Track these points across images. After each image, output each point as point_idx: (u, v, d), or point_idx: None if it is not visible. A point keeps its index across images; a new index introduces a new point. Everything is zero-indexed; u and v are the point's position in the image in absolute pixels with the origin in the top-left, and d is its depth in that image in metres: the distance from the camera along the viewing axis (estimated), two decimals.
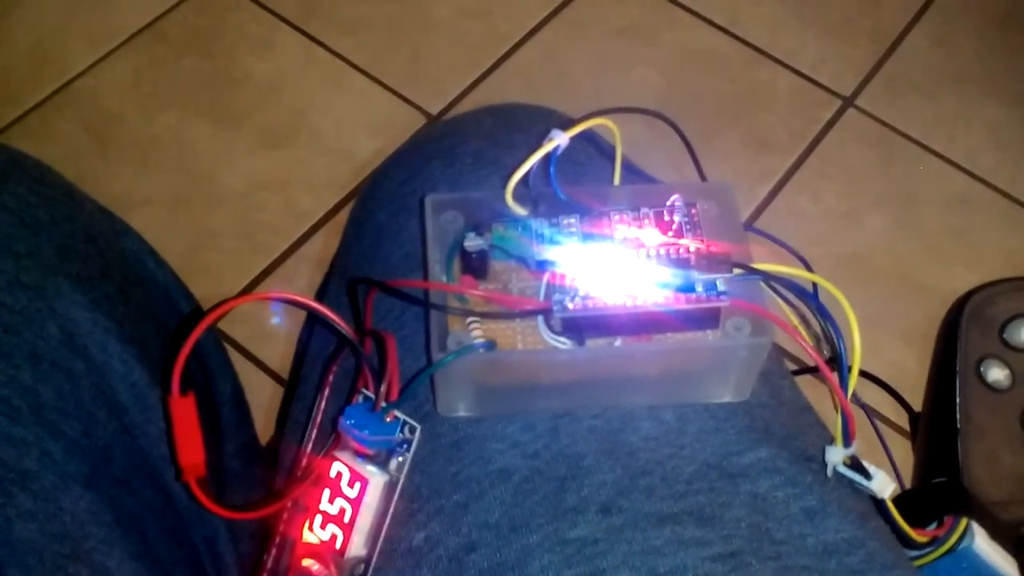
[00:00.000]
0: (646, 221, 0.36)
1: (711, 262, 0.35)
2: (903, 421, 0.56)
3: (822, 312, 0.35)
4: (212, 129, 1.19)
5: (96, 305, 0.39)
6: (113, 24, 1.26)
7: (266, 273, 1.10)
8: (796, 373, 0.45)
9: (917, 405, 0.48)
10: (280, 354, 1.04)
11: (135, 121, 1.20)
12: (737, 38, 1.30)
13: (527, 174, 0.36)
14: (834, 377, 0.35)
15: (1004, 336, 0.40)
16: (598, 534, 0.33)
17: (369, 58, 1.25)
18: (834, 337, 0.34)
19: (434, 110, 1.22)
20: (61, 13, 1.27)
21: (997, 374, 0.40)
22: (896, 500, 0.39)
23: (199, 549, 0.41)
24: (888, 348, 1.03)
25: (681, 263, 0.35)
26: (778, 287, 0.39)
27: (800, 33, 1.31)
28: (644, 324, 0.35)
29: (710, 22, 1.31)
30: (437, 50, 1.27)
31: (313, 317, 0.44)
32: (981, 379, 0.40)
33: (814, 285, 0.37)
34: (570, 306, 0.34)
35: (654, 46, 1.29)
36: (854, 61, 1.29)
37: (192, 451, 0.35)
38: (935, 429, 0.40)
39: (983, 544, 0.45)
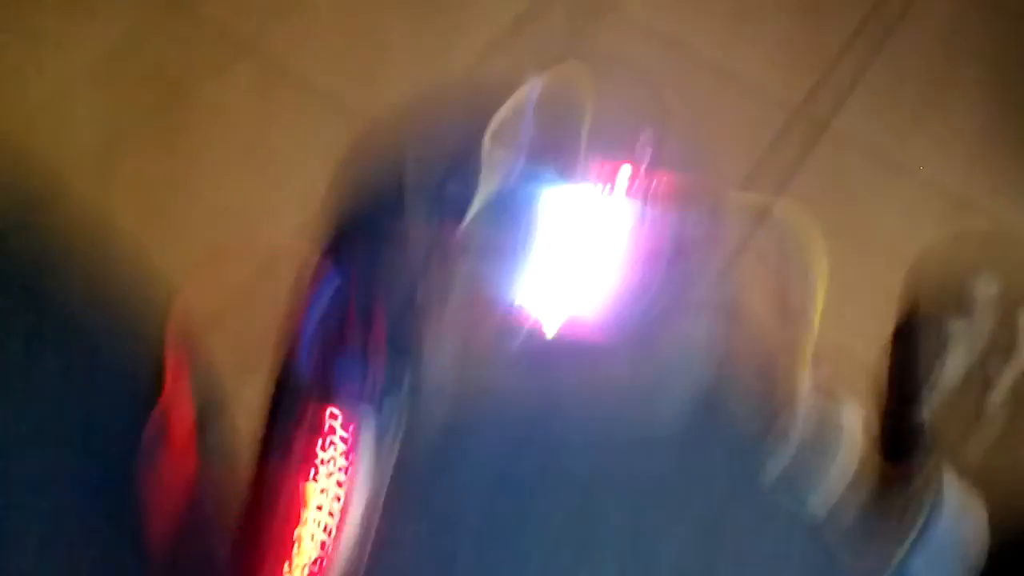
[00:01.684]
0: (618, 163, 0.38)
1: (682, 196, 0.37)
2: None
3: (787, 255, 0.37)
4: (169, 164, 1.20)
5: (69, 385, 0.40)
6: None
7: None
8: None
9: None
10: None
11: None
12: (687, 56, 1.33)
13: (517, 117, 0.37)
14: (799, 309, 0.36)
15: (952, 338, 0.42)
16: (554, 553, 0.35)
17: (329, 87, 1.27)
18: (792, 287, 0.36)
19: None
20: None
21: (951, 374, 0.41)
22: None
23: None
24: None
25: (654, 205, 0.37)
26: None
27: (748, 49, 1.33)
28: (595, 352, 0.36)
29: (658, 32, 1.34)
30: (397, 74, 1.29)
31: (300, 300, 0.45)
32: (938, 382, 0.41)
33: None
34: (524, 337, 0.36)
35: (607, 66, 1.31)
36: (803, 74, 1.31)
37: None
38: (897, 432, 0.42)
39: (952, 501, 0.47)
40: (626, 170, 0.38)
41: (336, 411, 0.35)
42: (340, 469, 0.35)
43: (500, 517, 0.36)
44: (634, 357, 0.38)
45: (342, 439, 0.35)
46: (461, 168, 0.37)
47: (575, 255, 0.36)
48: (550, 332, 0.38)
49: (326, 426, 0.35)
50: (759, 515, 0.37)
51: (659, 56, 1.33)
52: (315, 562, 0.34)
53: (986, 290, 0.41)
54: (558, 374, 0.38)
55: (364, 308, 0.37)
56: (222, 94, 1.26)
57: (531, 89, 0.38)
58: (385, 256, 0.39)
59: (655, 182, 0.38)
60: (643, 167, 0.38)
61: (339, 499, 0.35)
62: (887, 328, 0.49)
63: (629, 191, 0.38)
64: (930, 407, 0.41)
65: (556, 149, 0.38)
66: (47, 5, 1.30)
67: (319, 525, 0.35)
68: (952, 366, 0.42)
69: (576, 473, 0.37)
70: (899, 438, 0.42)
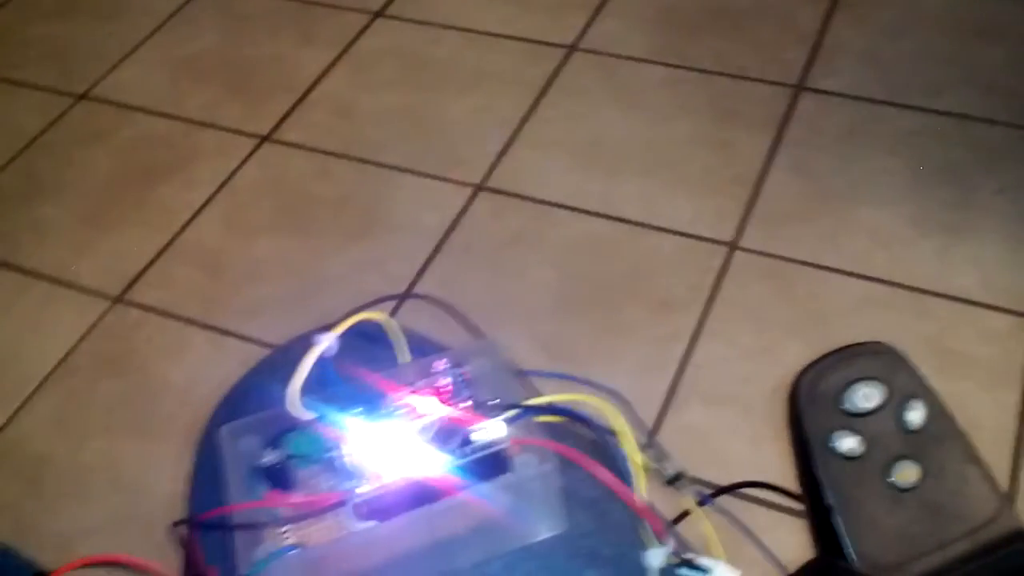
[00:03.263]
0: (423, 392, 0.38)
1: (483, 415, 0.37)
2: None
3: (592, 426, 0.37)
4: (140, 444, 1.20)
5: None
6: (25, 374, 1.28)
7: None
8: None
9: None
10: None
11: (64, 457, 1.20)
12: (614, 219, 1.36)
13: (308, 379, 0.38)
14: (616, 482, 0.36)
15: (842, 407, 0.42)
16: None
17: (277, 334, 1.28)
18: (614, 448, 0.36)
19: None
20: None
21: (849, 443, 0.41)
22: None
23: None
24: None
25: (454, 426, 0.37)
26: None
27: (670, 197, 1.38)
28: (443, 490, 0.36)
29: (584, 212, 1.37)
30: (339, 308, 1.31)
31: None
32: (835, 453, 0.40)
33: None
34: (362, 491, 0.36)
35: (542, 249, 1.35)
36: (727, 208, 1.35)
37: None
38: (813, 511, 0.41)
39: None
40: (429, 400, 0.39)
41: None
42: None
43: None
44: (482, 501, 0.38)
45: None
46: (277, 438, 0.38)
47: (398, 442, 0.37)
48: (397, 489, 0.37)
49: None
50: None
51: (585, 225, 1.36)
52: None
53: (866, 403, 0.40)
54: (409, 522, 0.37)
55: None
56: None
57: (323, 344, 0.39)
58: (222, 539, 0.39)
59: (460, 410, 0.39)
60: (445, 393, 0.39)
61: None
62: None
63: (432, 424, 0.39)
64: (834, 495, 0.40)
65: (360, 391, 0.39)
66: None
67: None
68: (847, 449, 0.41)
69: None
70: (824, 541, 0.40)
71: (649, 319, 1.25)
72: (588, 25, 1.65)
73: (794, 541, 0.42)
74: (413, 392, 0.39)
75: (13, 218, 1.48)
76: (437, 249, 1.36)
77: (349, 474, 0.37)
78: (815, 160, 1.40)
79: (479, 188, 1.43)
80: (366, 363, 0.46)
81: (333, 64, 1.65)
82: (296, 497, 0.36)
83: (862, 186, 1.36)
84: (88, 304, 1.35)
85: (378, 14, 1.73)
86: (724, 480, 0.59)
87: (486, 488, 0.37)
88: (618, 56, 1.60)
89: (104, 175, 1.53)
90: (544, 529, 0.38)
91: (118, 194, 1.49)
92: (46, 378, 1.28)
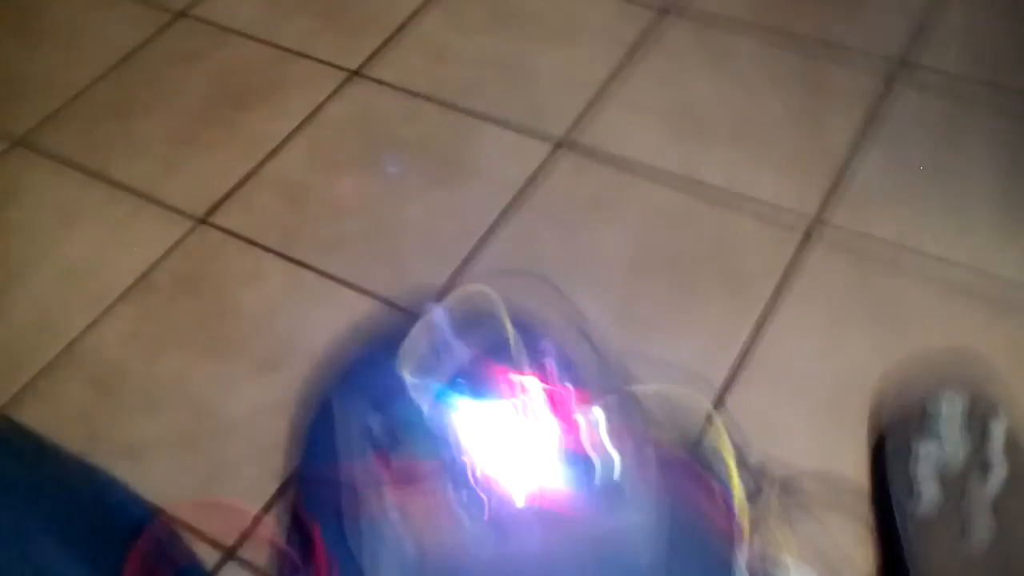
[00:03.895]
0: (527, 373, 0.40)
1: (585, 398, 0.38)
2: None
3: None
4: (212, 365, 1.23)
5: (67, 543, 0.42)
6: (106, 284, 1.32)
7: (280, 493, 1.11)
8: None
9: None
10: None
11: (138, 369, 1.24)
12: (697, 187, 1.35)
13: (417, 349, 0.39)
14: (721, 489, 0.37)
15: (921, 465, 0.42)
16: None
17: (353, 272, 1.31)
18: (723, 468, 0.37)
19: (422, 311, 1.26)
20: (57, 283, 1.33)
21: (927, 501, 0.41)
22: None
23: None
24: None
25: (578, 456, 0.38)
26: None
27: (755, 170, 1.36)
28: (555, 510, 0.38)
29: (667, 178, 1.37)
30: (415, 252, 1.33)
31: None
32: (914, 512, 0.41)
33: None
34: (485, 512, 0.37)
35: (620, 213, 1.35)
36: (812, 185, 1.34)
37: None
38: (884, 551, 0.41)
39: None
40: (535, 382, 0.40)
41: None
42: None
43: None
44: (598, 518, 0.39)
45: None
46: (384, 402, 0.39)
47: (513, 448, 0.38)
48: (518, 501, 0.38)
49: None
50: None
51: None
52: None
53: (951, 408, 0.40)
54: (526, 537, 0.38)
55: (304, 541, 0.38)
56: None
57: (435, 315, 0.40)
58: (327, 495, 0.41)
59: (563, 391, 0.40)
60: (552, 378, 0.39)
61: None
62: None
63: (542, 399, 0.40)
64: (910, 539, 0.40)
65: (471, 367, 0.40)
66: None
67: None
68: (928, 491, 0.41)
69: None
70: (891, 570, 0.41)
71: (722, 293, 1.25)
72: None
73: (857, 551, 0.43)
74: (518, 372, 0.40)
75: (106, 130, 1.51)
76: (514, 202, 1.36)
77: (453, 450, 0.38)
78: (908, 143, 1.38)
79: (561, 144, 1.42)
80: (470, 336, 0.47)
81: (427, 3, 1.64)
82: (401, 468, 0.37)
83: (954, 172, 1.34)
84: (172, 222, 1.38)
85: None
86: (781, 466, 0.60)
87: (593, 503, 0.38)
88: (715, 19, 1.58)
89: (195, 96, 1.55)
90: (646, 556, 0.40)
91: (208, 116, 1.52)
92: (126, 291, 1.31)
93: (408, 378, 0.40)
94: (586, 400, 0.39)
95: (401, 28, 1.61)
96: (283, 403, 1.18)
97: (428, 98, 1.50)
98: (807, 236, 1.29)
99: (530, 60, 1.55)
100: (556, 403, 0.39)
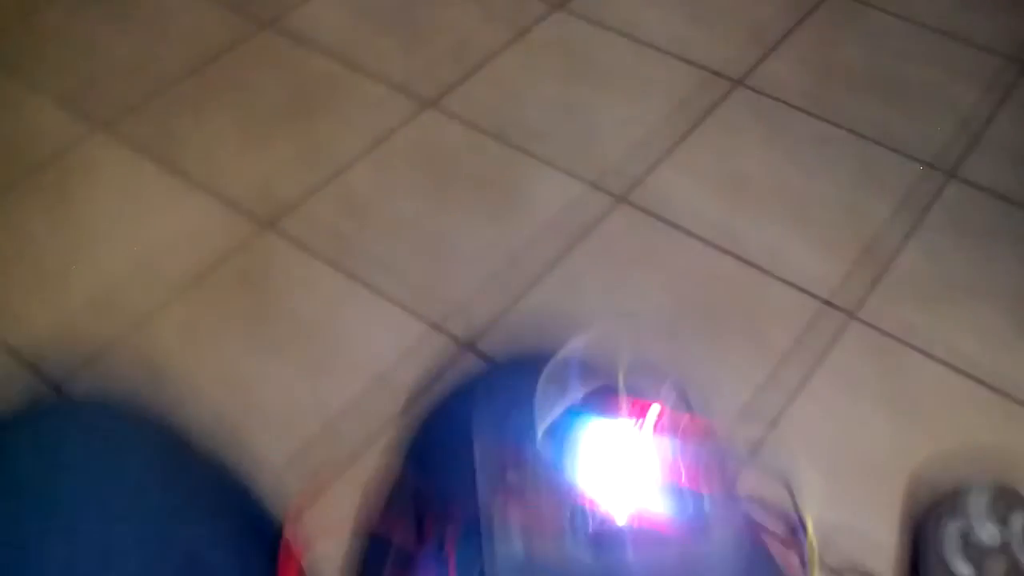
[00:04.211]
0: (647, 410, 0.45)
1: (698, 484, 0.43)
2: None
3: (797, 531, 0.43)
4: (259, 364, 1.29)
5: (213, 531, 0.47)
6: (168, 273, 1.38)
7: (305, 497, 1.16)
8: None
9: None
10: None
11: (190, 359, 1.29)
12: (742, 259, 1.40)
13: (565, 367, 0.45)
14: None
15: (968, 539, 0.47)
16: None
17: (404, 292, 1.36)
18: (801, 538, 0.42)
19: (465, 339, 1.31)
20: (122, 266, 1.39)
21: (963, 570, 0.46)
22: None
23: None
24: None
25: (676, 487, 0.43)
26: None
27: (800, 251, 1.41)
28: (648, 536, 0.43)
29: (714, 245, 1.42)
30: (466, 283, 1.38)
31: (372, 539, 0.51)
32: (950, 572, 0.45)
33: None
34: (589, 526, 0.42)
35: (665, 271, 1.40)
36: (853, 275, 1.38)
37: None
38: None
39: None
40: (655, 409, 0.44)
41: None
42: None
43: None
44: (687, 541, 0.44)
45: None
46: (521, 408, 0.44)
47: (622, 470, 0.43)
48: (618, 520, 0.43)
49: None
50: None
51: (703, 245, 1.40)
52: None
53: (979, 498, 0.45)
54: (624, 552, 0.43)
55: (440, 516, 0.43)
56: None
57: (576, 345, 0.45)
58: (459, 473, 0.45)
59: (677, 421, 0.45)
60: (668, 407, 0.44)
61: None
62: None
63: (657, 427, 0.45)
64: None
65: (597, 393, 0.45)
66: None
67: None
68: (960, 570, 0.46)
69: None
70: None
71: (754, 365, 1.29)
72: (758, 63, 1.68)
73: None
74: (638, 402, 0.45)
75: (184, 125, 1.57)
76: (567, 249, 1.42)
77: (576, 494, 0.43)
78: (950, 249, 1.42)
79: (620, 200, 1.48)
80: (595, 369, 0.52)
81: (507, 46, 1.71)
82: (543, 514, 0.42)
83: (989, 285, 1.38)
84: (237, 222, 1.44)
85: (559, 6, 1.78)
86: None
87: (684, 530, 0.43)
88: (779, 100, 1.63)
89: (273, 103, 1.61)
90: None
91: (283, 124, 1.58)
92: (187, 282, 1.37)
93: (545, 394, 0.45)
94: (692, 437, 0.44)
95: (479, 66, 1.67)
96: (321, 406, 1.24)
97: (496, 136, 1.56)
98: (844, 320, 1.33)
99: (598, 113, 1.60)
100: (666, 434, 0.44)
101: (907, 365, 1.29)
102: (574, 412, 0.46)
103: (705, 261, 1.41)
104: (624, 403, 0.46)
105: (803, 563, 0.43)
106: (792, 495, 0.45)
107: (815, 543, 0.43)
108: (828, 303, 1.35)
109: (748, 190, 1.50)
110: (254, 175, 1.51)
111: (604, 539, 0.42)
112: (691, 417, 0.47)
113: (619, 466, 0.44)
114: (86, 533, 0.44)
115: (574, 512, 0.43)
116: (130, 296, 1.35)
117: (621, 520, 0.43)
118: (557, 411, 0.46)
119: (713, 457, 0.45)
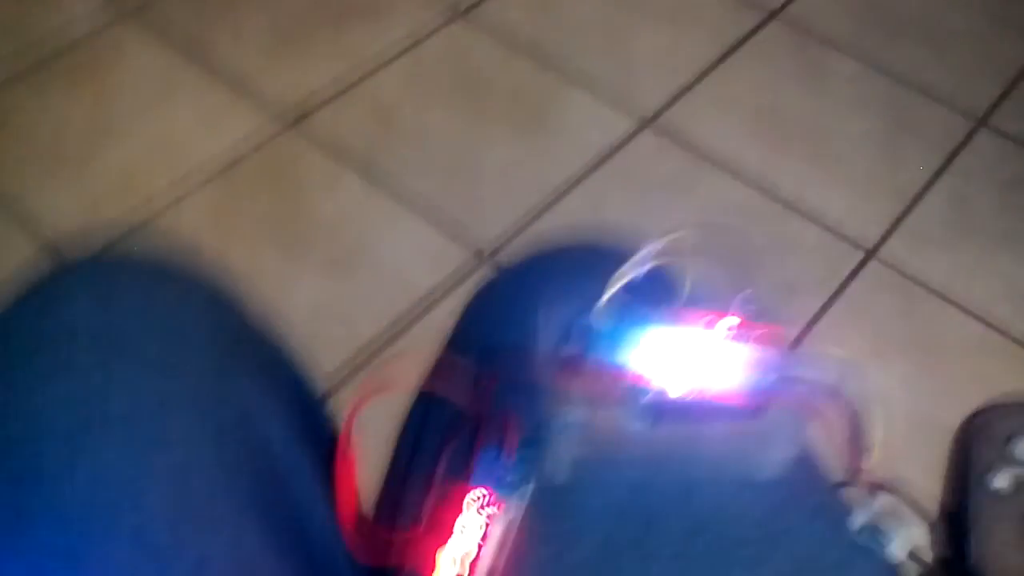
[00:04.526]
0: (713, 318, 0.45)
1: (764, 359, 0.44)
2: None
3: (851, 394, 0.43)
4: (280, 262, 1.29)
5: (262, 391, 0.48)
6: (192, 164, 1.37)
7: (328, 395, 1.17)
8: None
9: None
10: None
11: (208, 252, 1.29)
12: (767, 191, 1.40)
13: (617, 288, 0.45)
14: (859, 447, 0.43)
15: (1008, 449, 0.47)
16: (672, 571, 0.41)
17: (425, 200, 1.36)
18: (859, 420, 0.42)
19: (485, 250, 1.32)
20: (146, 152, 1.39)
21: (1002, 481, 0.47)
22: None
23: None
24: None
25: (739, 354, 0.44)
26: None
27: (826, 188, 1.41)
28: (706, 411, 0.43)
29: (739, 176, 1.41)
30: (488, 195, 1.38)
31: (425, 400, 0.52)
32: (988, 486, 0.46)
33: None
34: (648, 397, 0.42)
35: (688, 198, 1.39)
36: (877, 215, 1.38)
37: (350, 502, 0.43)
38: (949, 532, 0.47)
39: None
40: (726, 320, 0.45)
41: (474, 494, 0.42)
42: (473, 541, 0.42)
43: (613, 547, 0.42)
44: (747, 416, 0.44)
45: (477, 518, 0.41)
46: (586, 307, 0.44)
47: (685, 353, 0.43)
48: (678, 394, 0.44)
49: (464, 506, 0.41)
50: (846, 555, 0.43)
51: (742, 192, 1.40)
52: None
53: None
54: (681, 425, 0.44)
55: (502, 408, 0.44)
56: None
57: (649, 249, 0.45)
58: (519, 366, 0.46)
59: (749, 331, 0.45)
60: (739, 318, 0.45)
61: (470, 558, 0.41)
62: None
63: (723, 334, 0.45)
64: (976, 507, 0.46)
65: (662, 304, 0.45)
66: None
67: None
68: (1001, 482, 0.46)
69: (687, 507, 0.43)
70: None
71: (770, 298, 1.29)
72: None
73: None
74: (710, 318, 0.45)
75: (214, 16, 1.56)
76: (591, 169, 1.41)
77: (639, 376, 0.44)
78: (974, 196, 1.42)
79: (647, 123, 1.47)
80: (668, 276, 0.52)
81: None
82: (592, 375, 0.43)
83: (1012, 234, 1.38)
84: (263, 118, 1.43)
85: None
86: None
87: (746, 422, 0.44)
88: (818, 34, 1.61)
89: (307, 3, 1.59)
90: (775, 470, 0.46)
91: (315, 24, 1.56)
92: (210, 175, 1.37)
93: (612, 297, 0.46)
94: (758, 344, 0.45)
95: None
96: (340, 309, 1.25)
97: (527, 51, 1.55)
98: (864, 259, 1.33)
99: (633, 35, 1.59)
100: (733, 340, 0.44)
101: (924, 307, 1.30)
102: (638, 318, 0.46)
103: (729, 191, 1.40)
104: (691, 312, 0.47)
105: (855, 446, 0.43)
106: (851, 383, 0.45)
107: (877, 426, 0.43)
108: (849, 240, 1.35)
109: (777, 123, 1.49)
110: (283, 74, 1.50)
111: (663, 411, 0.43)
112: (758, 326, 0.47)
113: (682, 350, 0.45)
114: (143, 383, 0.44)
115: (633, 384, 0.43)
116: (153, 184, 1.35)
117: (680, 394, 0.43)
118: (621, 299, 0.47)
119: (778, 359, 0.46)
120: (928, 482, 1.08)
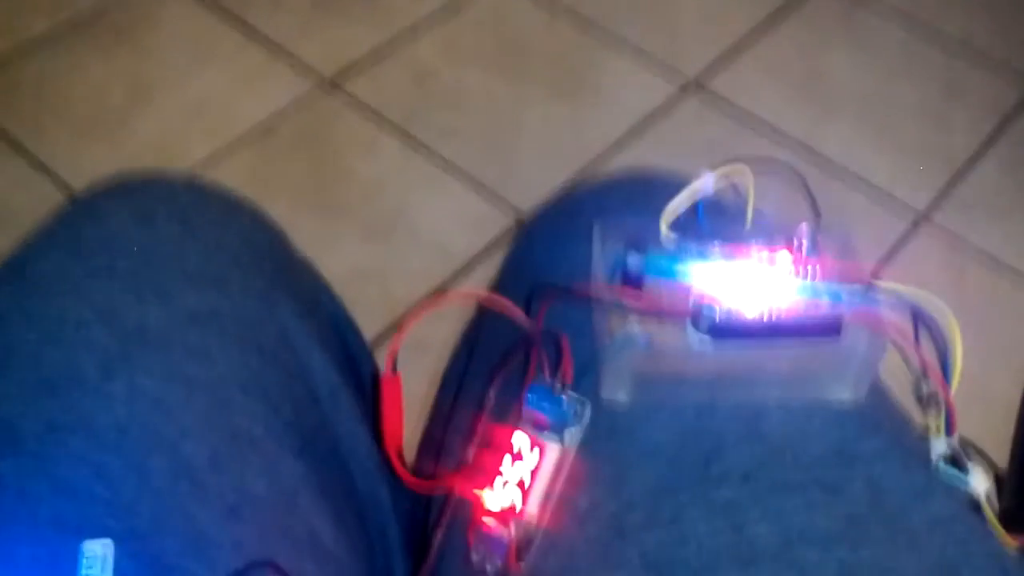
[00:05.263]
0: (778, 248, 0.42)
1: (836, 279, 0.41)
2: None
3: (927, 323, 0.40)
4: (318, 222, 1.27)
5: (302, 316, 0.46)
6: (228, 125, 1.36)
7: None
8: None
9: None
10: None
11: None
12: (813, 154, 1.37)
13: (676, 216, 0.42)
14: (940, 375, 0.40)
15: None
16: (739, 497, 0.39)
17: (464, 161, 1.34)
18: (940, 342, 0.40)
19: (525, 213, 1.29)
20: (182, 113, 1.38)
21: None
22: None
23: (372, 536, 0.46)
24: None
25: (808, 280, 0.41)
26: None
27: (874, 152, 1.37)
28: (776, 331, 0.41)
29: (785, 140, 1.38)
30: (527, 157, 1.36)
31: (480, 319, 0.50)
32: None
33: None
34: (714, 315, 0.40)
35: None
36: (927, 180, 1.35)
37: (396, 425, 0.41)
38: (1017, 484, 0.44)
39: None
40: (785, 255, 0.42)
41: (522, 436, 0.39)
42: (527, 468, 0.39)
43: (679, 469, 0.40)
44: (819, 339, 0.42)
45: (530, 444, 0.39)
46: (640, 244, 0.42)
47: (750, 276, 0.41)
48: (744, 315, 0.42)
49: (513, 448, 0.39)
50: (925, 485, 0.40)
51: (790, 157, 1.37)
52: None
53: None
54: (748, 347, 0.42)
55: (554, 347, 0.42)
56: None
57: (704, 181, 0.43)
58: (571, 304, 0.44)
59: (811, 265, 0.42)
60: (800, 253, 0.42)
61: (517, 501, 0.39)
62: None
63: (789, 271, 0.42)
64: None
65: (722, 236, 0.43)
66: None
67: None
68: None
69: (756, 431, 0.41)
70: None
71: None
72: None
73: None
74: (769, 247, 0.43)
75: None
76: (633, 134, 1.38)
77: (703, 296, 0.41)
78: None
79: (691, 84, 1.44)
80: (726, 209, 0.50)
81: None
82: (663, 303, 0.41)
83: None
84: (300, 79, 1.42)
85: None
86: None
87: (818, 343, 0.41)
88: (866, 0, 1.57)
89: None
90: (847, 394, 0.43)
91: None
92: (246, 136, 1.35)
93: (666, 234, 0.43)
94: (833, 272, 0.42)
95: None
96: (377, 274, 1.23)
97: (568, 14, 1.52)
98: (912, 226, 1.30)
99: None
100: (800, 271, 0.42)
101: (976, 274, 1.26)
102: (699, 245, 0.44)
103: (777, 154, 1.37)
104: (754, 241, 0.44)
105: (934, 375, 0.41)
106: (931, 313, 0.43)
107: (957, 357, 0.40)
108: (898, 206, 1.32)
109: (825, 88, 1.46)
110: (321, 32, 1.48)
111: (728, 331, 0.40)
112: (824, 260, 0.44)
113: (748, 276, 0.42)
114: (183, 294, 0.43)
115: (696, 303, 0.41)
116: (190, 147, 1.34)
117: (747, 315, 0.41)
118: (679, 227, 0.44)
119: (850, 288, 0.43)
120: (982, 446, 1.05)
